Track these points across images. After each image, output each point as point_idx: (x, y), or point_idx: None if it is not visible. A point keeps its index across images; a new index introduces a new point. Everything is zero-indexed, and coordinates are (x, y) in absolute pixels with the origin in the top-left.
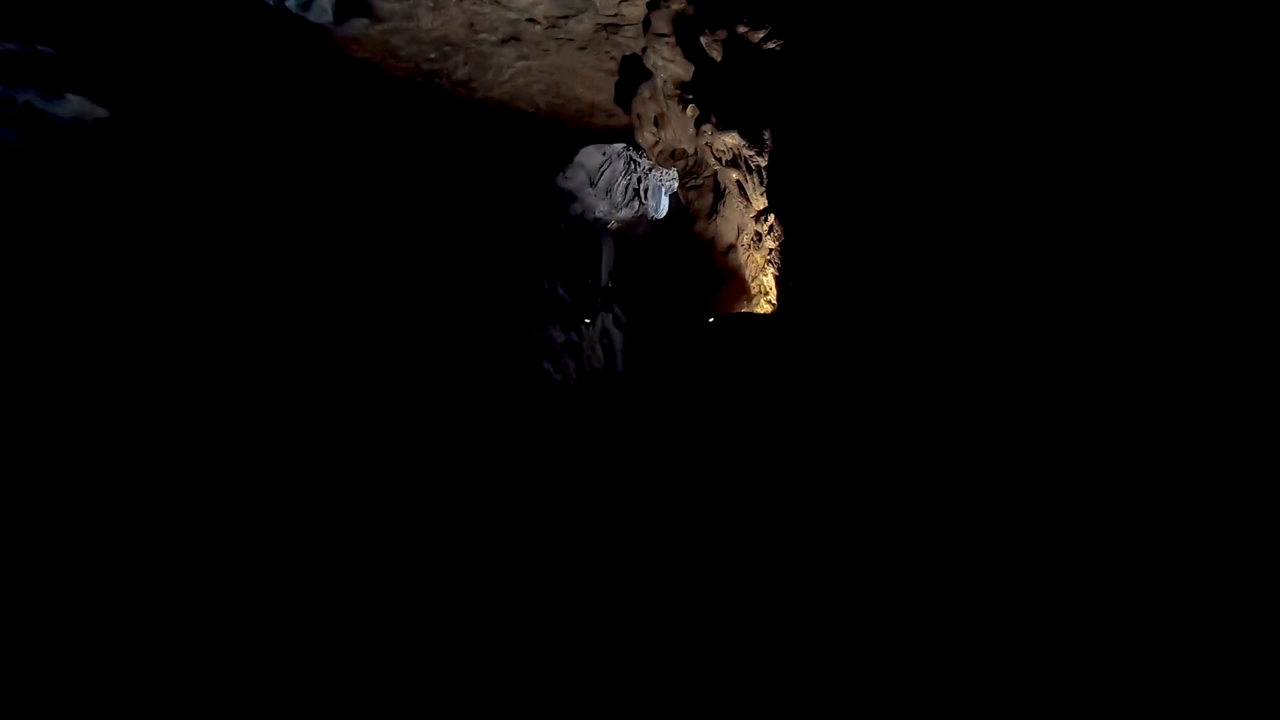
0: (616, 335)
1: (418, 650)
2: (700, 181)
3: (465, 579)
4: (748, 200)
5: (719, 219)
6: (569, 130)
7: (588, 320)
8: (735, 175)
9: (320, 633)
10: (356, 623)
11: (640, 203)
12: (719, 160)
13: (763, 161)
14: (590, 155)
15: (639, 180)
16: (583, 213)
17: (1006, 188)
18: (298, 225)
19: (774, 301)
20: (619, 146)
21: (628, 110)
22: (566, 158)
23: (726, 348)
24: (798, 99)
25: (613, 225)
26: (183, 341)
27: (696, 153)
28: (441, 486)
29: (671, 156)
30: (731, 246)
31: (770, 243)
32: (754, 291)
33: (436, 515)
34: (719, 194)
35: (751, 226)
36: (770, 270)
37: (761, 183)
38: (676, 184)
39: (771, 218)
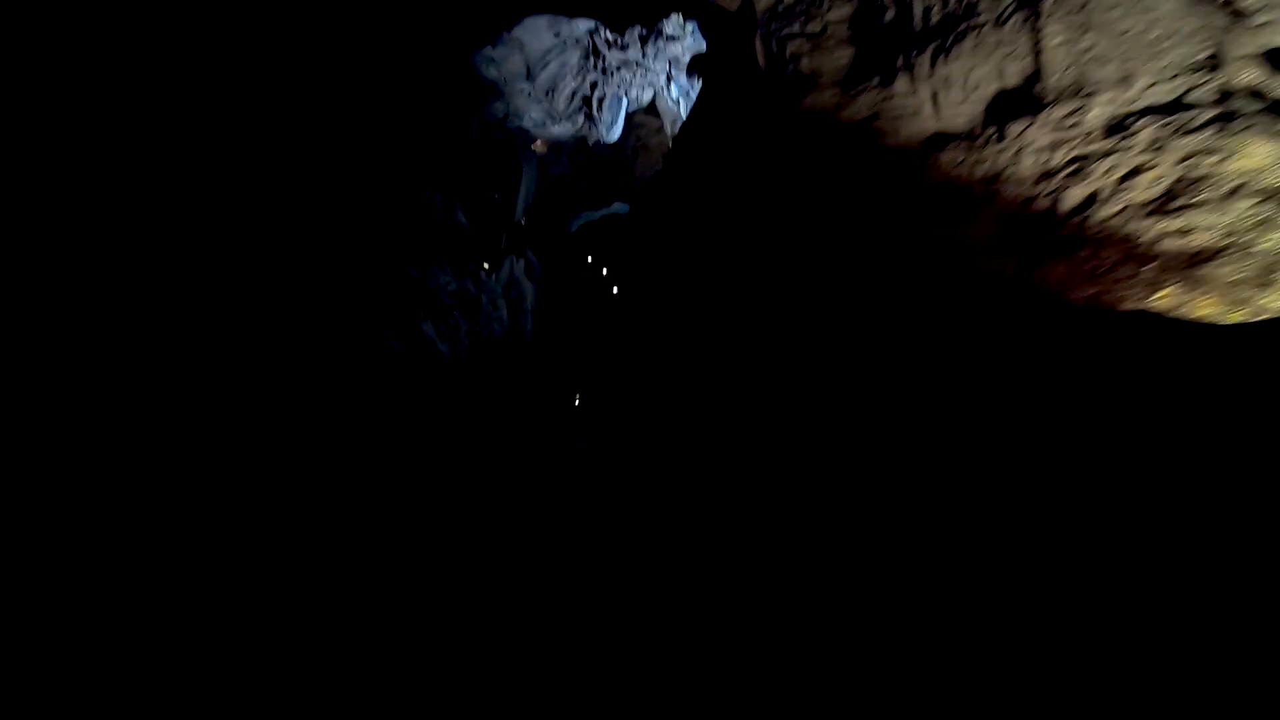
0: (528, 288)
1: None
2: (818, 26)
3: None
4: None
5: (928, 69)
6: None
7: (487, 266)
8: None
9: None
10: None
11: (588, 118)
12: None
13: None
14: (536, 33)
15: (595, 85)
16: (506, 116)
17: None
18: None
19: None
20: (583, 27)
21: None
22: (503, 22)
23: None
24: None
25: (537, 147)
26: None
27: None
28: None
29: None
30: (972, 136)
31: None
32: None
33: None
34: (904, 28)
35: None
36: None
37: None
38: (651, 93)
39: None
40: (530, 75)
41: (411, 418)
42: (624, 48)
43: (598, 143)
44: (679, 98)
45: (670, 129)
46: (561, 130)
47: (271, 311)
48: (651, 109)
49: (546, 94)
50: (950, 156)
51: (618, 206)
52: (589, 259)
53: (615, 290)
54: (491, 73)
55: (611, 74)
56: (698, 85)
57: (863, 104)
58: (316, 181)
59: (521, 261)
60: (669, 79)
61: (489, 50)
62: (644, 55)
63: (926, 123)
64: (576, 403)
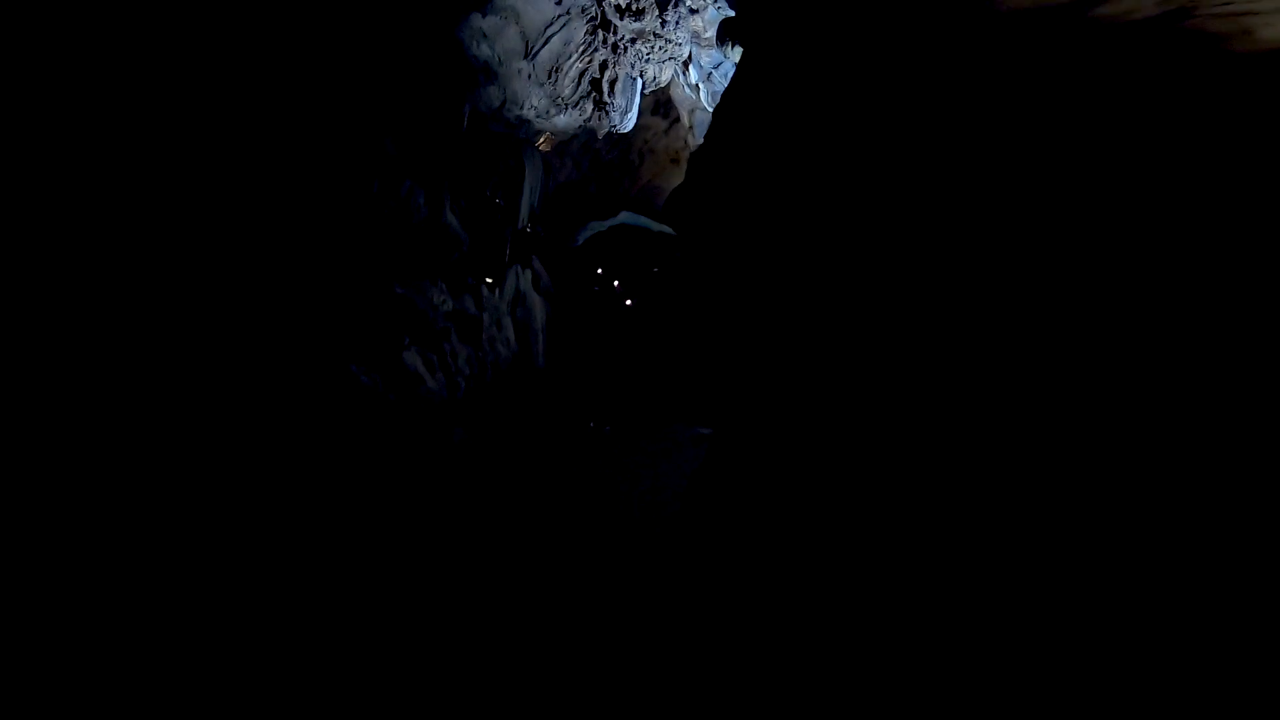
0: (537, 303)
1: None
2: None
3: None
4: None
5: None
6: None
7: (489, 280)
8: None
9: None
10: None
11: (598, 104)
12: None
13: None
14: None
15: (605, 65)
16: (502, 104)
17: None
18: None
19: None
20: None
21: None
22: None
23: None
24: None
25: (540, 143)
26: None
27: None
28: None
29: None
30: None
31: None
32: None
33: None
34: None
35: None
36: None
37: None
38: (671, 71)
39: None
40: (529, 53)
41: (393, 476)
42: (638, 15)
43: (606, 138)
44: (698, 82)
45: (687, 120)
46: (568, 120)
47: (213, 331)
48: (658, 109)
49: (549, 75)
50: None
51: (625, 217)
52: (599, 270)
53: (629, 303)
54: (483, 50)
55: (624, 50)
56: (729, 60)
57: None
58: (266, 171)
59: (528, 273)
60: (689, 59)
61: (477, 20)
62: (662, 25)
63: None
64: (592, 427)
